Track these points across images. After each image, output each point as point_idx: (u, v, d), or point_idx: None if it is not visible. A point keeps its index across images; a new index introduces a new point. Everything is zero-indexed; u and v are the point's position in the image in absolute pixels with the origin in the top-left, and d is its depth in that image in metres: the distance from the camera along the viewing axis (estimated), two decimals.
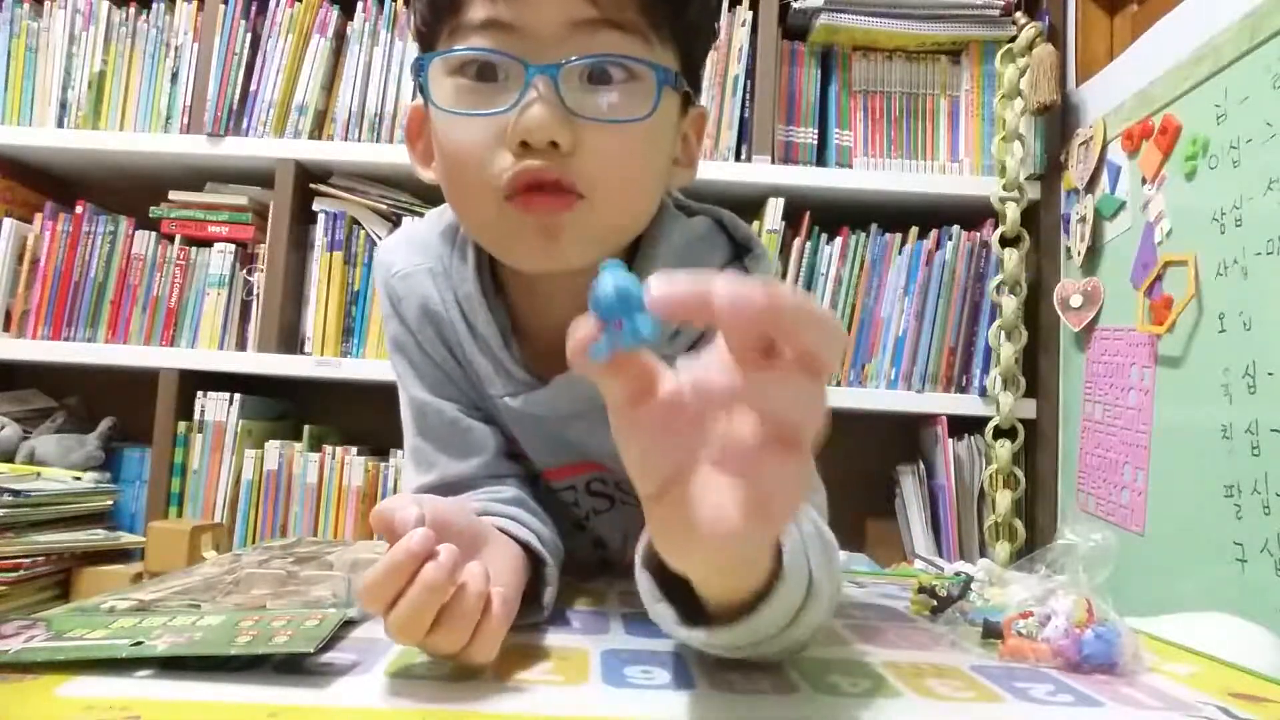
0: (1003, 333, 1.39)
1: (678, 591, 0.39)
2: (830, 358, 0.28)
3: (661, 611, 0.40)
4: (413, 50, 1.51)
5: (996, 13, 1.45)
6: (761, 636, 0.38)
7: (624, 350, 0.29)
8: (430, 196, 1.54)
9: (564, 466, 0.62)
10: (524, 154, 0.46)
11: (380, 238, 1.50)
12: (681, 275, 0.28)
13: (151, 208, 1.52)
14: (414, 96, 0.84)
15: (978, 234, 1.44)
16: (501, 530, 0.49)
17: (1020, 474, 1.39)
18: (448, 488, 0.57)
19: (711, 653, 0.40)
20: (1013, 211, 1.40)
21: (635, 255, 0.56)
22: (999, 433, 1.39)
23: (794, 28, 1.51)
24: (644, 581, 0.41)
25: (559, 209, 0.48)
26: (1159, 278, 1.10)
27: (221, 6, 1.52)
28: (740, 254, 0.60)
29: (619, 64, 0.48)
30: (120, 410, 1.53)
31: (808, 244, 1.44)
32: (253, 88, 1.52)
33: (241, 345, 1.50)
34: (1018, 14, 1.45)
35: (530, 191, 0.47)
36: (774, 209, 1.43)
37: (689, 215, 0.60)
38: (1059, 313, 1.35)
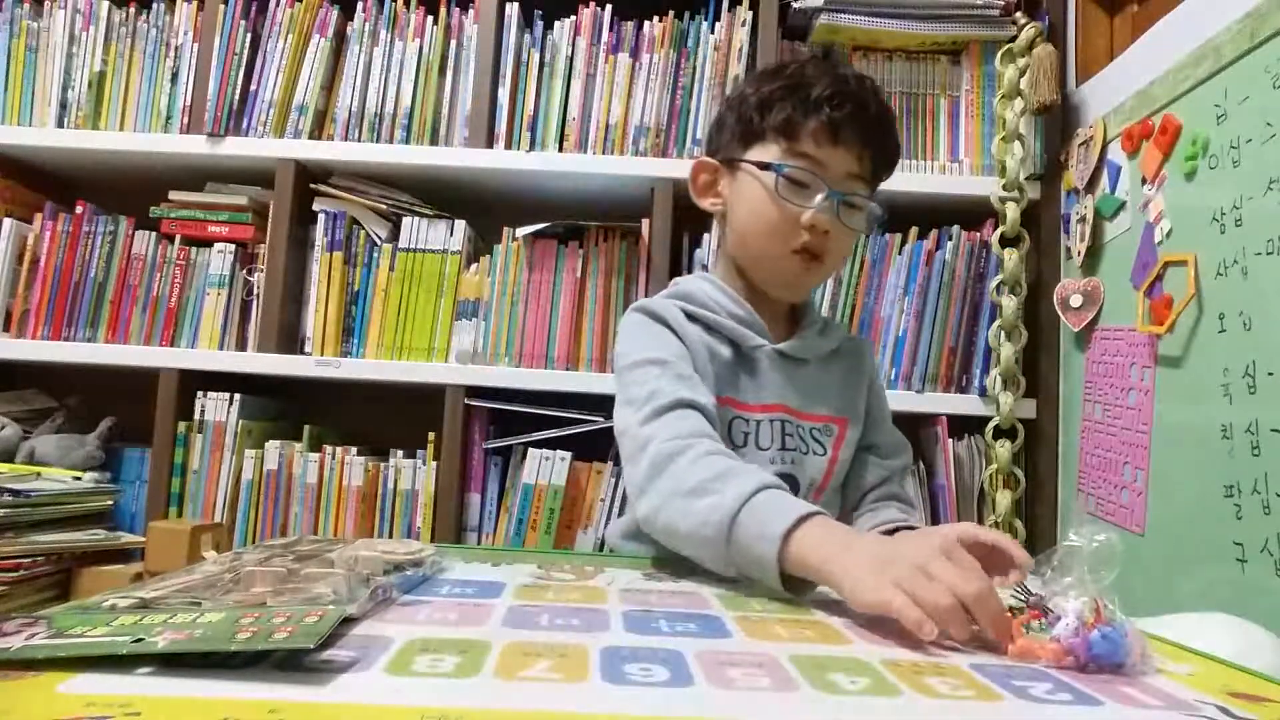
0: (1003, 333, 1.39)
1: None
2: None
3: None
4: (412, 50, 1.51)
5: (996, 13, 1.45)
6: None
7: None
8: (428, 197, 1.54)
9: (775, 404, 0.90)
10: (811, 230, 0.85)
11: (380, 237, 1.50)
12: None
13: (151, 208, 1.52)
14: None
15: (978, 234, 1.44)
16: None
17: (1020, 474, 1.39)
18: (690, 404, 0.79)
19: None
20: (1013, 211, 1.40)
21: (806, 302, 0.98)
22: (999, 433, 1.39)
23: (794, 28, 1.51)
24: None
25: (814, 265, 0.88)
26: (1159, 278, 1.11)
27: (221, 6, 1.52)
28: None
29: (862, 201, 0.88)
30: (120, 410, 1.53)
31: None
32: (253, 88, 1.52)
33: (241, 345, 1.50)
34: (1018, 14, 1.45)
35: (808, 253, 0.87)
36: None
37: None
38: (1059, 313, 1.35)
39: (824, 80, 0.85)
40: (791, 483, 0.88)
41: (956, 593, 0.50)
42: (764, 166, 0.86)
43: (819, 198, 0.84)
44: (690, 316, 0.89)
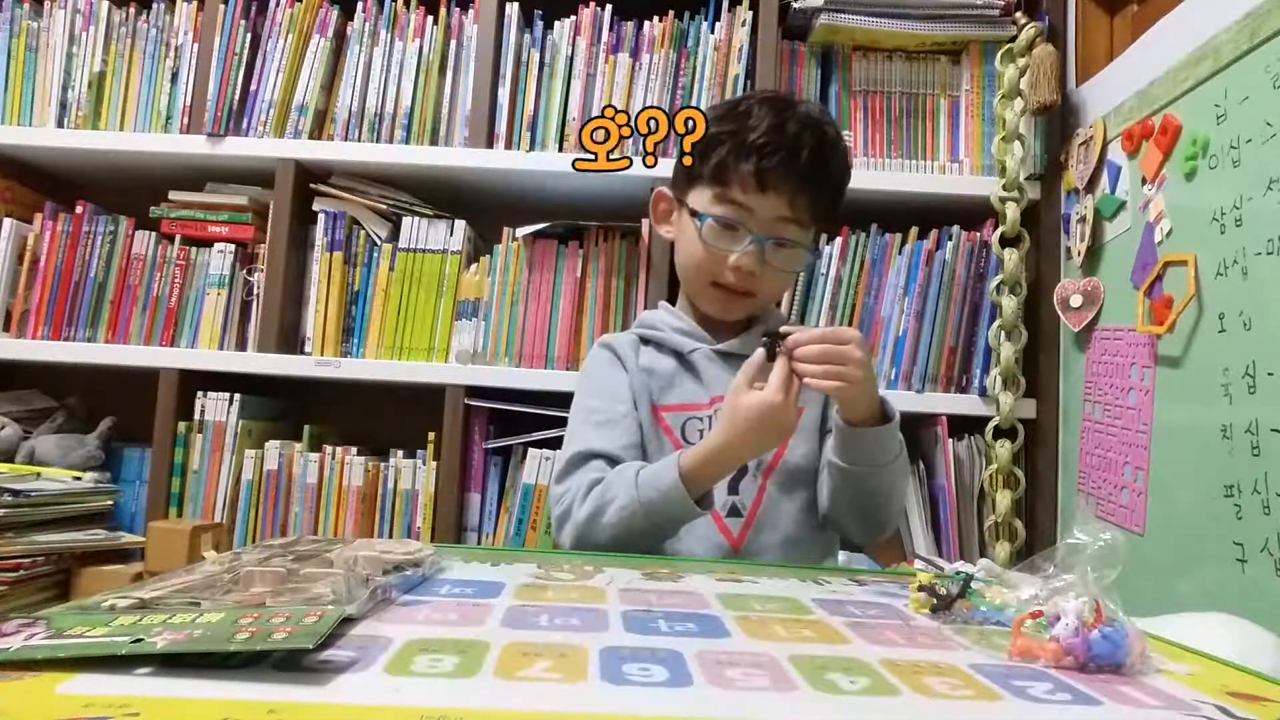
0: (1003, 333, 1.39)
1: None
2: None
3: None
4: (412, 50, 1.51)
5: (996, 13, 1.45)
6: (888, 448, 0.89)
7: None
8: (428, 197, 1.54)
9: (720, 395, 0.96)
10: (736, 271, 0.94)
11: (380, 237, 1.50)
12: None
13: (151, 208, 1.52)
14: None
15: (978, 234, 1.44)
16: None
17: (1020, 474, 1.39)
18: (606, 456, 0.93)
19: (859, 452, 0.89)
20: (1013, 211, 1.40)
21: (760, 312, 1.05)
22: (999, 433, 1.39)
23: (794, 28, 1.51)
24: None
25: (740, 300, 0.98)
26: (1159, 278, 1.11)
27: (221, 6, 1.52)
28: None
29: (793, 243, 0.95)
30: (120, 410, 1.54)
31: None
32: (253, 88, 1.52)
33: (241, 345, 1.50)
34: (1018, 14, 1.45)
35: (730, 290, 0.97)
36: None
37: None
38: (1059, 313, 1.35)
39: (761, 127, 0.91)
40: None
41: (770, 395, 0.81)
42: (694, 214, 0.95)
43: (744, 243, 0.93)
44: (645, 339, 1.02)
